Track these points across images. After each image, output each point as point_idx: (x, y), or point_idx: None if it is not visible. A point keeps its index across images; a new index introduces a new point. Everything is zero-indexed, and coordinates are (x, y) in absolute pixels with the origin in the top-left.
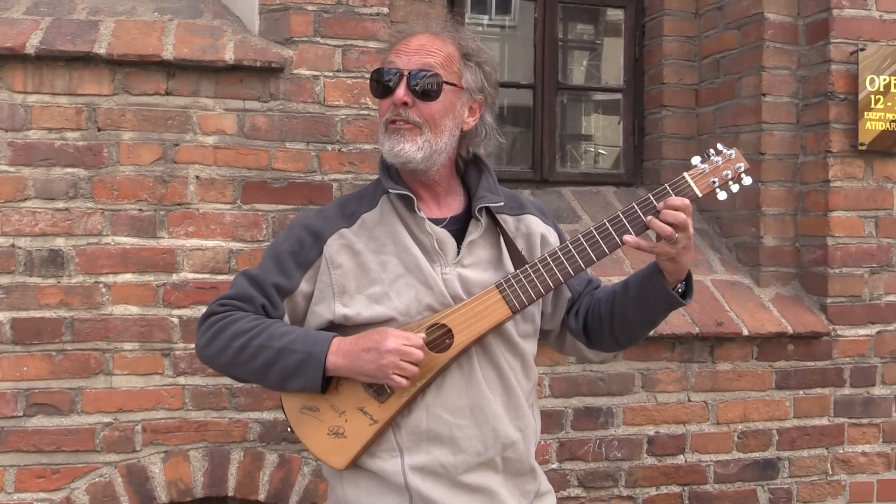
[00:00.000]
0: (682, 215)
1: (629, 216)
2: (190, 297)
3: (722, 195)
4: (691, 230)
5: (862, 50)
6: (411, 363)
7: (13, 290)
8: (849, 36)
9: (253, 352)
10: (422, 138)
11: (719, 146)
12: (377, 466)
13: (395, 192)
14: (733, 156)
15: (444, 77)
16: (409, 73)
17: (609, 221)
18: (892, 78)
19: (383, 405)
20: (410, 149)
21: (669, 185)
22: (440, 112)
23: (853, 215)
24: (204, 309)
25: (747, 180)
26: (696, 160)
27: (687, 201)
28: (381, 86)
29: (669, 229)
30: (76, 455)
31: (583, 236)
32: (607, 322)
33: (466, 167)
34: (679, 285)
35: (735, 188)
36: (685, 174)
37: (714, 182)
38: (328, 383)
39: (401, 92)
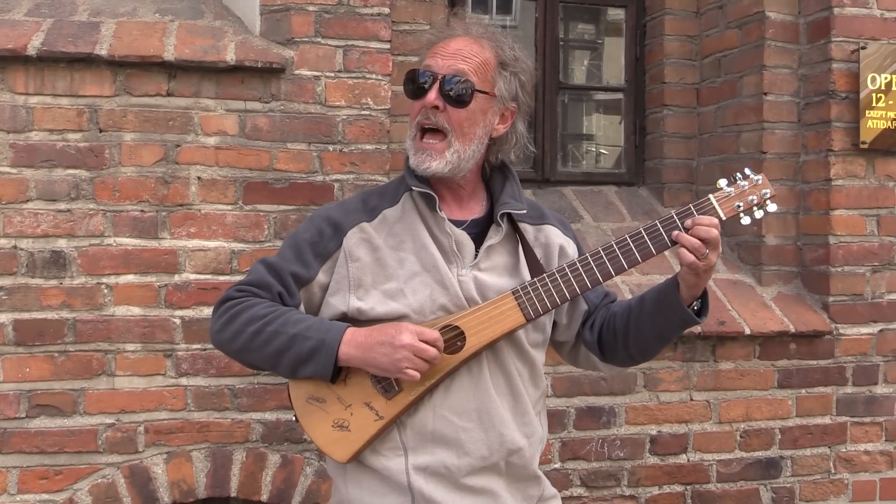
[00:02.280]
0: (714, 231)
1: (651, 233)
2: (192, 298)
3: (746, 220)
4: (720, 248)
5: (863, 48)
6: (424, 359)
7: (15, 291)
8: (850, 34)
9: (267, 337)
10: (449, 151)
11: (747, 171)
12: (381, 464)
13: (419, 189)
14: (760, 181)
15: (476, 84)
16: (442, 78)
17: (630, 237)
18: (894, 76)
19: (390, 402)
20: (437, 165)
21: (694, 206)
22: (469, 119)
23: (855, 214)
24: (206, 309)
25: (772, 207)
26: (721, 183)
27: (715, 220)
28: (415, 87)
29: (699, 243)
30: (79, 456)
31: (602, 250)
32: (622, 336)
33: (492, 172)
34: (695, 302)
35: (759, 214)
36: (710, 196)
37: (739, 206)
38: (339, 373)
39: (432, 95)
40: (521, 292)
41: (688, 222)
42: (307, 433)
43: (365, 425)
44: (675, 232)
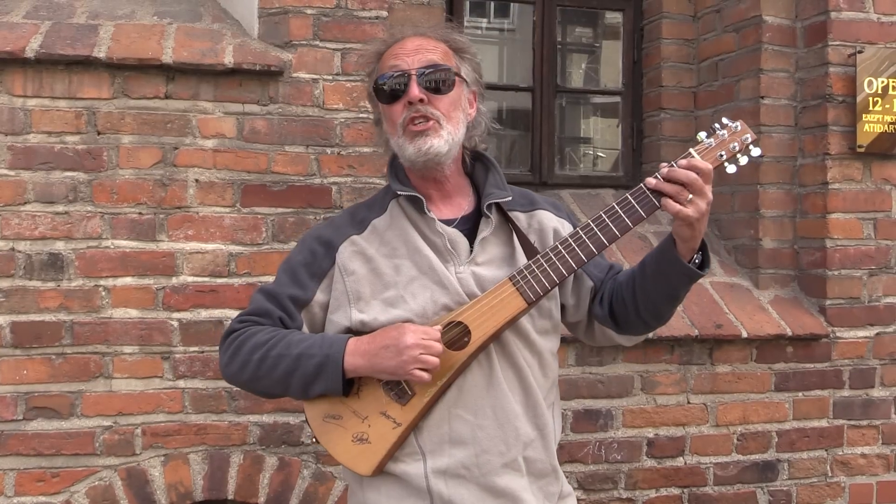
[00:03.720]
0: (692, 174)
1: (637, 196)
2: (189, 301)
3: (731, 168)
4: (710, 196)
5: (860, 52)
6: (431, 355)
7: (13, 293)
8: (847, 38)
9: (273, 362)
10: (444, 131)
11: (724, 120)
12: (400, 470)
13: (404, 193)
14: (739, 128)
15: (453, 69)
16: (416, 71)
17: (618, 204)
18: (890, 80)
19: (405, 407)
20: (438, 143)
21: (675, 162)
22: (452, 104)
23: (852, 217)
24: (203, 312)
25: (755, 151)
26: (701, 136)
27: (696, 164)
28: (389, 91)
29: (677, 187)
30: (76, 458)
31: (592, 221)
32: (631, 304)
33: (474, 166)
34: (696, 256)
35: (744, 160)
36: (691, 150)
37: (722, 156)
38: (350, 386)
39: (414, 90)
40: (517, 277)
41: (663, 170)
42: (329, 452)
43: (384, 434)
44: (653, 180)
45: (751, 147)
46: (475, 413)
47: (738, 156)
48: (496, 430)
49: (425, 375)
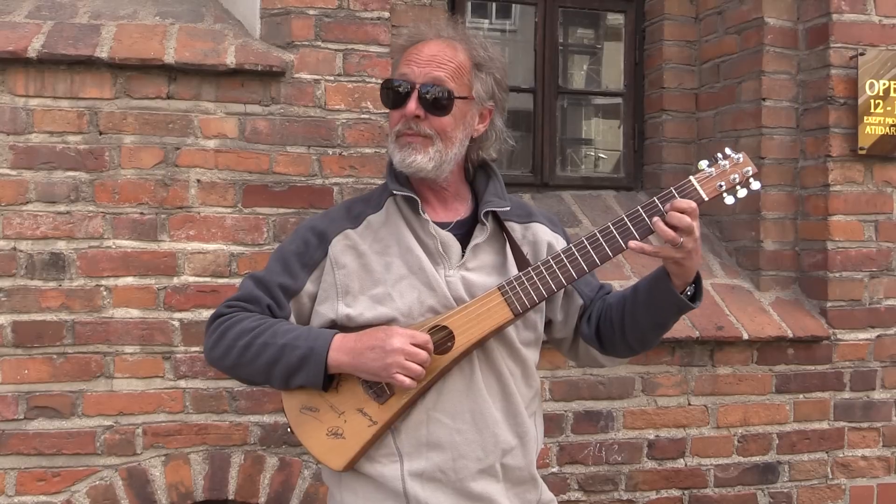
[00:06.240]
0: (686, 219)
1: (633, 219)
2: (191, 301)
3: (729, 199)
4: (697, 234)
5: (861, 54)
6: (416, 363)
7: (14, 293)
8: (848, 40)
9: (257, 350)
10: (433, 149)
11: (727, 150)
12: (376, 472)
13: (401, 193)
14: (741, 160)
15: (455, 91)
16: (420, 87)
17: (613, 225)
18: (892, 82)
19: (383, 406)
20: (422, 160)
21: (675, 189)
22: (451, 125)
23: (853, 219)
24: (205, 312)
25: (755, 185)
26: (703, 164)
27: (693, 204)
28: (392, 97)
29: (672, 233)
30: (77, 458)
31: (586, 239)
32: (619, 327)
33: (475, 172)
34: (688, 288)
35: (743, 193)
36: (691, 177)
37: (721, 186)
38: (330, 381)
39: (412, 105)
40: (507, 287)
41: (665, 207)
42: (303, 443)
43: (359, 432)
44: (654, 219)
45: (751, 180)
46: (454, 417)
47: (738, 188)
48: (474, 436)
49: (407, 381)
